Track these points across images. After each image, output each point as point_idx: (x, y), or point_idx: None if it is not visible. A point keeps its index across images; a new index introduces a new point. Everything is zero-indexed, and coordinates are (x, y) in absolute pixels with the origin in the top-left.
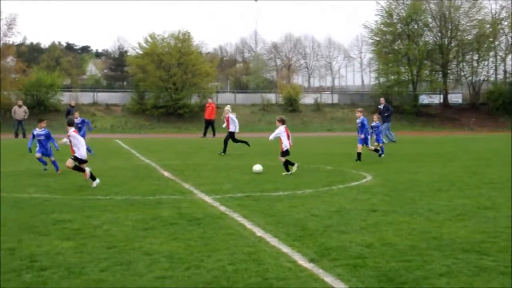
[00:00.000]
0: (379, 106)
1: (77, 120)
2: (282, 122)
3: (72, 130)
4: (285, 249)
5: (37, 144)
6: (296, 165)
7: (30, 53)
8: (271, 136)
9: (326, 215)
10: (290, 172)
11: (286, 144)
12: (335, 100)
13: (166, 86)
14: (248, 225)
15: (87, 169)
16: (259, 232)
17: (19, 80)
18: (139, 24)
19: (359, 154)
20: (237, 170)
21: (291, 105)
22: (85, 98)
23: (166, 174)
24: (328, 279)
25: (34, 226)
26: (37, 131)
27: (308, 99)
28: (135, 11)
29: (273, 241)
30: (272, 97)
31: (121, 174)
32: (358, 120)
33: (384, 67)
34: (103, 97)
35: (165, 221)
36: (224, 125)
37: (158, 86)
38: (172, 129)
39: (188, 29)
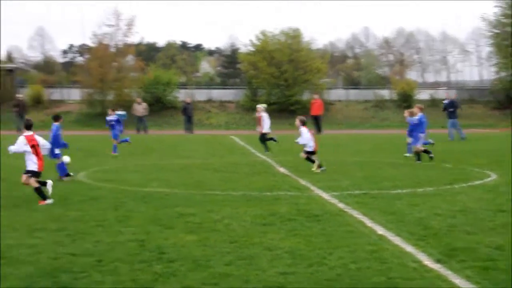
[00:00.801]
0: (444, 101)
1: (112, 117)
2: (303, 123)
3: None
4: (408, 248)
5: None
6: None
7: (148, 52)
8: (300, 141)
9: (449, 214)
10: (320, 169)
11: (312, 144)
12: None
13: (278, 82)
14: (368, 223)
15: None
16: (380, 230)
17: (138, 78)
18: (250, 21)
19: (420, 153)
20: (354, 167)
21: (405, 101)
22: (200, 95)
23: (282, 170)
24: (457, 280)
25: (159, 219)
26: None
27: (423, 95)
28: (245, 9)
29: (395, 240)
30: (385, 93)
31: (238, 170)
32: (416, 118)
33: (505, 61)
34: (218, 94)
35: (284, 217)
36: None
37: (270, 82)
38: (285, 126)
39: (298, 26)
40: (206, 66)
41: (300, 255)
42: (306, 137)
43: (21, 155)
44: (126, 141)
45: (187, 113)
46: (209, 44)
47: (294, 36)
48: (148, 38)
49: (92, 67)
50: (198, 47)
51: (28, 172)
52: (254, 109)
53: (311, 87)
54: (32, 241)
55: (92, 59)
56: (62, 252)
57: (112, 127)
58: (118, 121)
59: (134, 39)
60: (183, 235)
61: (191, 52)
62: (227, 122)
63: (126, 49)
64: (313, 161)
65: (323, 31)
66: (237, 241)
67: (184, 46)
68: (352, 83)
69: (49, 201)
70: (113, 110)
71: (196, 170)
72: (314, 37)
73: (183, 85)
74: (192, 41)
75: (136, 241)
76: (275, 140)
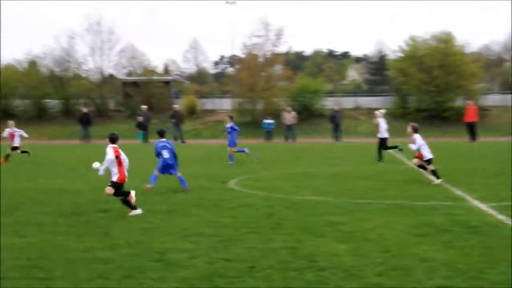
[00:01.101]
0: None
1: (228, 125)
2: (415, 130)
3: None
4: None
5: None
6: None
7: (295, 61)
8: (413, 148)
9: None
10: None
11: (426, 153)
12: None
13: (428, 88)
14: None
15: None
16: None
17: (286, 87)
18: (398, 27)
19: None
20: None
21: None
22: (347, 103)
23: (433, 179)
24: None
25: (310, 227)
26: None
27: None
28: (393, 14)
29: None
30: None
31: (389, 178)
32: None
33: None
34: (365, 101)
35: (439, 227)
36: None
37: (420, 89)
38: (435, 133)
39: (450, 29)
40: (353, 74)
41: (457, 268)
42: (419, 143)
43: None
44: (243, 151)
45: (335, 121)
46: (356, 51)
47: (446, 40)
48: (296, 47)
49: (242, 77)
50: (345, 55)
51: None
52: (403, 117)
53: (465, 92)
54: (187, 245)
55: (242, 69)
56: (217, 257)
57: (229, 134)
58: (234, 129)
59: (282, 48)
60: (335, 244)
61: (338, 60)
62: (374, 130)
63: (274, 58)
64: (425, 169)
65: (477, 33)
66: (390, 251)
67: (331, 54)
68: (510, 88)
69: (138, 211)
70: (230, 118)
71: (346, 178)
72: (468, 40)
73: (330, 93)
74: (339, 49)
75: (287, 248)
76: (400, 149)
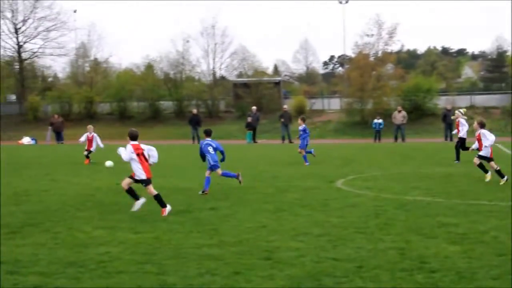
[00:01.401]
0: None
1: (300, 127)
2: (482, 125)
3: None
4: None
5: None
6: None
7: (407, 60)
8: (487, 144)
9: None
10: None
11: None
12: None
13: None
14: None
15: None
16: None
17: (398, 86)
18: None
19: None
20: None
21: None
22: (461, 101)
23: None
24: None
25: (420, 228)
26: None
27: None
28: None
29: None
30: None
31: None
32: None
33: None
34: (481, 99)
35: None
36: (455, 131)
37: None
38: None
39: None
40: (468, 71)
41: None
42: (491, 139)
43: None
44: (310, 152)
45: (448, 120)
46: (472, 48)
47: None
48: (408, 45)
49: (352, 77)
50: (460, 52)
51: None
52: None
53: None
54: (296, 244)
55: (352, 69)
56: (324, 257)
57: (300, 137)
58: (306, 131)
59: (394, 47)
60: (446, 246)
61: (452, 58)
62: (491, 128)
63: (386, 57)
64: (486, 171)
65: None
66: (505, 254)
67: (445, 51)
68: None
69: (168, 208)
70: (303, 120)
71: (458, 178)
72: None
73: (444, 92)
74: (455, 46)
75: (396, 249)
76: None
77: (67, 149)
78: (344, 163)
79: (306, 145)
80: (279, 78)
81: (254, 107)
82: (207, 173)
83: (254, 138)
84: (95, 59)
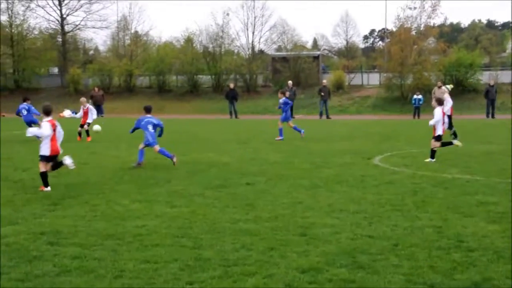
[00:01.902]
0: None
1: (281, 100)
2: (440, 103)
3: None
4: None
5: None
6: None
7: (450, 33)
8: (430, 123)
9: None
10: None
11: (439, 129)
12: None
13: None
14: None
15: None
16: None
17: (439, 61)
18: None
19: None
20: None
21: None
22: (505, 77)
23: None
24: None
25: (458, 206)
26: None
27: None
28: None
29: None
30: None
31: None
32: None
33: None
34: None
35: None
36: None
37: None
38: None
39: None
40: None
41: None
42: (437, 118)
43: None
44: (299, 131)
45: (490, 96)
46: None
47: None
48: (452, 19)
49: (393, 51)
50: (506, 25)
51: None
52: None
53: None
54: (331, 221)
55: (393, 43)
56: (360, 234)
57: (282, 110)
58: (286, 104)
59: (437, 20)
60: (484, 224)
61: (497, 31)
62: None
63: (428, 31)
64: (450, 143)
65: None
66: None
67: (490, 25)
68: None
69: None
70: (283, 94)
71: (499, 156)
72: None
73: (487, 67)
74: (500, 19)
75: (433, 227)
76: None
77: (107, 122)
78: (382, 140)
79: (287, 118)
80: (318, 52)
81: (290, 82)
82: (141, 146)
83: (291, 113)
84: (136, 32)
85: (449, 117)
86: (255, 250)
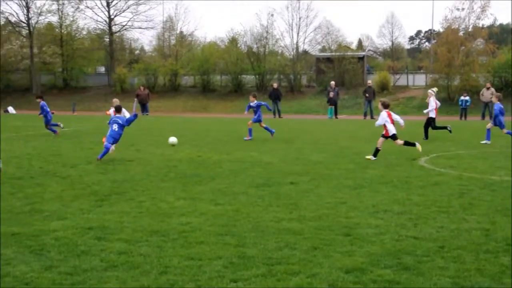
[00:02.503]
0: None
1: (253, 104)
2: (385, 106)
3: None
4: None
5: None
6: (417, 144)
7: (500, 34)
8: (376, 124)
9: None
10: (373, 158)
11: (391, 128)
12: None
13: None
14: None
15: None
16: None
17: (488, 62)
18: None
19: None
20: None
21: None
22: None
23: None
24: None
25: (506, 209)
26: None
27: None
28: None
29: None
30: None
31: None
32: None
33: None
34: None
35: None
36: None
37: None
38: None
39: None
40: None
41: None
42: (381, 119)
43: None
44: (271, 132)
45: None
46: None
47: None
48: (502, 19)
49: (439, 52)
50: None
51: None
52: None
53: None
54: (375, 221)
55: (440, 44)
56: (405, 235)
57: (254, 113)
58: (258, 106)
59: (486, 21)
60: None
61: None
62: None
63: (477, 32)
64: (413, 144)
65: None
66: None
67: None
68: None
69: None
70: (254, 97)
71: None
72: None
73: None
74: None
75: (481, 230)
76: (449, 130)
77: (152, 121)
78: (428, 141)
79: (260, 120)
80: (363, 53)
81: (332, 82)
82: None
83: (335, 114)
84: (181, 32)
85: (433, 119)
86: (299, 249)
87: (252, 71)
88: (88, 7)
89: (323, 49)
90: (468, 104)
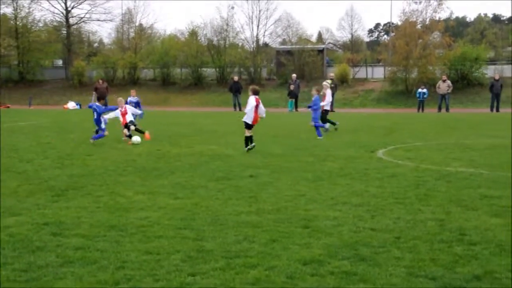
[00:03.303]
0: None
1: (133, 99)
2: (254, 92)
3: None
4: None
5: None
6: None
7: (456, 27)
8: (246, 109)
9: None
10: (248, 148)
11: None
12: None
13: None
14: None
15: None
16: None
17: (444, 55)
18: None
19: None
20: None
21: None
22: (509, 71)
23: None
24: None
25: (461, 199)
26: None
27: None
28: None
29: None
30: None
31: None
32: None
33: None
34: None
35: None
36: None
37: None
38: None
39: None
40: None
41: None
42: (249, 107)
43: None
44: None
45: (495, 90)
46: None
47: None
48: (458, 13)
49: (398, 45)
50: None
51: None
52: None
53: None
54: (334, 213)
55: (398, 37)
56: (362, 226)
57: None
58: (138, 103)
59: (443, 14)
60: (487, 218)
61: (503, 25)
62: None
63: (434, 25)
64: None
65: None
66: None
67: (496, 19)
68: None
69: None
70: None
71: (503, 150)
72: None
73: (492, 61)
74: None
75: (435, 220)
76: (336, 128)
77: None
78: (386, 133)
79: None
80: (323, 46)
81: (294, 75)
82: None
83: (296, 106)
84: (140, 25)
85: (327, 111)
86: (258, 242)
87: (212, 64)
88: None
89: (283, 42)
90: (425, 96)
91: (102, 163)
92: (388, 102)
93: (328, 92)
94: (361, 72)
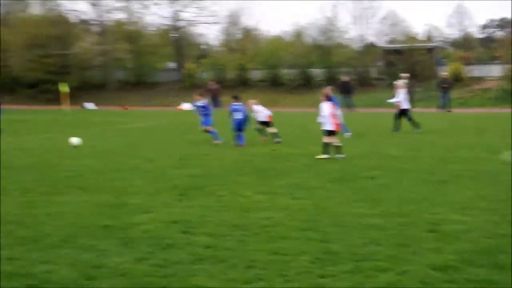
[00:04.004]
0: None
1: (200, 103)
2: (327, 98)
3: None
4: None
5: None
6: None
7: None
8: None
9: None
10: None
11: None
12: None
13: None
14: None
15: None
16: None
17: None
18: None
19: None
20: None
21: None
22: None
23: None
24: None
25: None
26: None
27: None
28: None
29: None
30: None
31: None
32: None
33: None
34: None
35: None
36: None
37: None
38: None
39: None
40: None
41: None
42: (324, 114)
43: None
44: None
45: None
46: None
47: None
48: None
49: None
50: None
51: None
52: None
53: None
54: (461, 218)
55: None
56: (497, 233)
57: (201, 113)
58: (205, 107)
59: None
60: None
61: None
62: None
63: None
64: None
65: None
66: None
67: None
68: None
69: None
70: (201, 95)
71: None
72: None
73: None
74: None
75: None
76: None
77: (222, 115)
78: (508, 134)
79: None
80: (432, 44)
81: (404, 74)
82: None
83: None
84: (246, 27)
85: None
86: (384, 245)
87: (320, 65)
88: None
89: (391, 41)
90: None
91: (220, 163)
92: (506, 101)
93: (401, 91)
94: (476, 70)
